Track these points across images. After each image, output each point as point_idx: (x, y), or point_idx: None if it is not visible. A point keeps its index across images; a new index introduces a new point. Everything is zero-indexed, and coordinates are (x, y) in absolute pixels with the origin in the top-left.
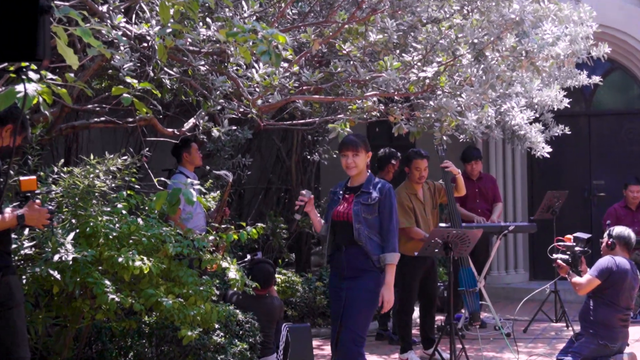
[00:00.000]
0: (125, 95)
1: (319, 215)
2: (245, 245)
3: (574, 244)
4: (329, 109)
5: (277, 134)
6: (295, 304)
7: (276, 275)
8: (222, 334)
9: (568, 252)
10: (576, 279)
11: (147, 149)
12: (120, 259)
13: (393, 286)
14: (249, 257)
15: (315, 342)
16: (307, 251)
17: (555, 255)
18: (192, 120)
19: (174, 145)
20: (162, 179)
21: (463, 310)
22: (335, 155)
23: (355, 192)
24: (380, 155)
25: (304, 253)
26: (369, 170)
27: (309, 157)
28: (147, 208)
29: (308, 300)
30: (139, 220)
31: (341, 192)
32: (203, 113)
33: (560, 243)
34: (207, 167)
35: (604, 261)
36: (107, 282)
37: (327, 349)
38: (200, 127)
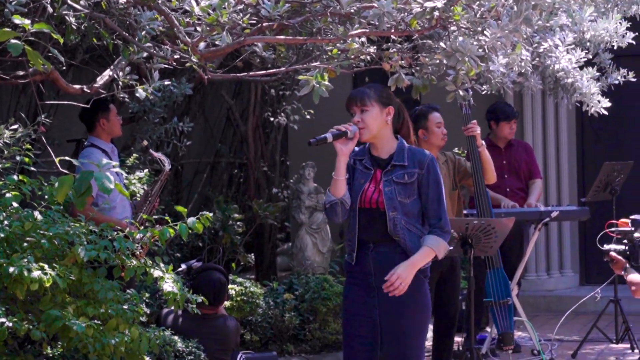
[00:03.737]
0: (13, 41)
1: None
2: (185, 244)
3: (632, 229)
4: (299, 54)
5: (228, 89)
6: (256, 325)
7: (229, 287)
8: None
9: (625, 241)
10: (633, 276)
11: (45, 114)
12: (11, 269)
13: (415, 269)
14: (183, 266)
15: None
16: (272, 250)
17: (607, 246)
18: (107, 73)
19: (83, 108)
20: (67, 158)
21: (488, 329)
22: (308, 117)
23: (384, 166)
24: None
25: (267, 253)
26: (399, 136)
27: (272, 119)
28: (46, 197)
29: (274, 319)
30: (36, 214)
31: (367, 163)
32: (123, 62)
33: (613, 229)
34: (143, 142)
35: None
36: None
37: None
38: (120, 82)
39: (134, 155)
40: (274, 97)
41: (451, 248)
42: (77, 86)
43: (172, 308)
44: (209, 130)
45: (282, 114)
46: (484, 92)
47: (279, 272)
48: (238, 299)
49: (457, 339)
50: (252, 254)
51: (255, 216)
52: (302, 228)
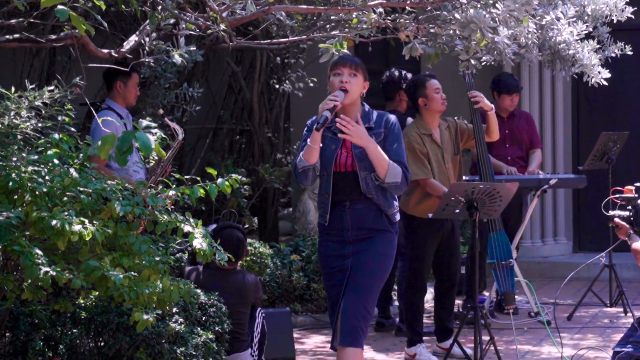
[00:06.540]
0: (60, 6)
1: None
2: (189, 207)
3: (636, 196)
4: (308, 24)
5: (231, 55)
6: (264, 285)
7: None
8: (180, 320)
9: (629, 207)
10: (638, 244)
11: (79, 77)
12: (53, 222)
13: (368, 143)
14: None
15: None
16: (274, 214)
17: (612, 212)
18: (134, 38)
19: (106, 68)
20: (108, 117)
21: (486, 293)
22: (312, 85)
23: None
24: (386, 80)
25: (270, 217)
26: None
27: (277, 86)
28: (80, 156)
29: (281, 279)
30: (72, 171)
31: (336, 129)
32: (148, 28)
33: (617, 195)
34: (159, 110)
35: None
36: (38, 252)
37: (309, 342)
38: (147, 47)
39: (148, 118)
40: (279, 64)
41: (457, 211)
42: (105, 50)
43: (191, 266)
44: (211, 97)
45: (287, 82)
46: (483, 63)
47: (280, 235)
48: (247, 259)
49: (458, 301)
50: (256, 218)
51: (260, 180)
52: (304, 193)
